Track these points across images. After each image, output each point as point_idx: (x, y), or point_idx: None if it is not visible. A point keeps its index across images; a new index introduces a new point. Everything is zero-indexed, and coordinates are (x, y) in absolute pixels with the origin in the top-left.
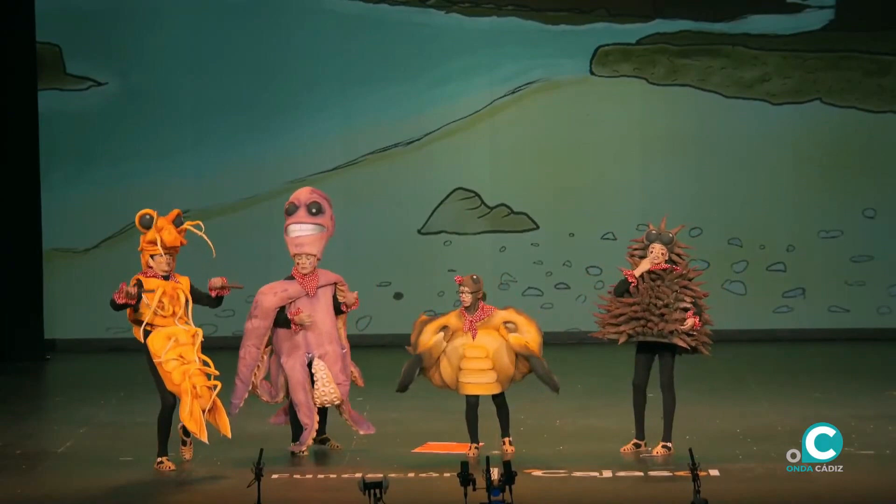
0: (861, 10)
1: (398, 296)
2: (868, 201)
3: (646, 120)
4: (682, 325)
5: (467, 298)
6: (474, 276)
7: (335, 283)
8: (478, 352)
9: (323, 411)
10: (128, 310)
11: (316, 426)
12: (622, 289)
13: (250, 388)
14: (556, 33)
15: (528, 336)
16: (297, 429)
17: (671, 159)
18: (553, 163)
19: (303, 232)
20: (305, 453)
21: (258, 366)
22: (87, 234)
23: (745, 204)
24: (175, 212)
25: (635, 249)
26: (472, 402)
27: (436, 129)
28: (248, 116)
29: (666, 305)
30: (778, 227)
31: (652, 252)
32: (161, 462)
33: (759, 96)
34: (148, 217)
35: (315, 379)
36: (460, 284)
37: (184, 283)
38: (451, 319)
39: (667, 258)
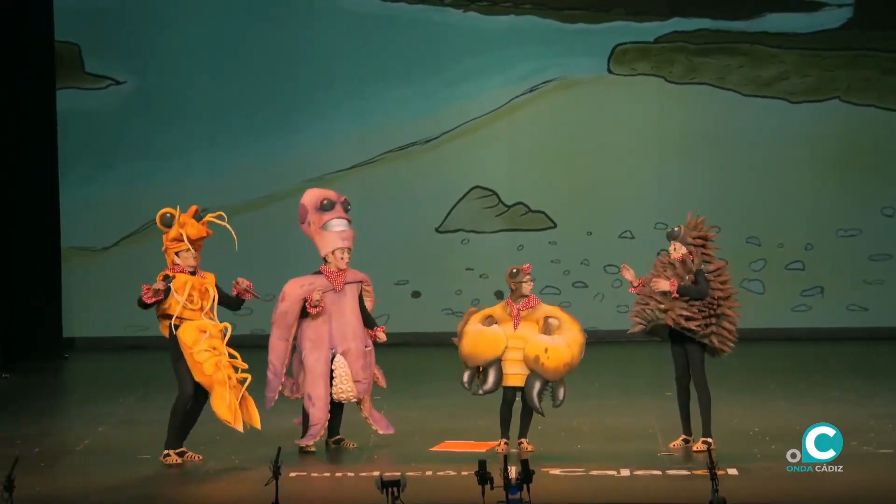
0: (879, 8)
1: (416, 294)
2: (886, 200)
3: (663, 118)
4: (655, 285)
5: (525, 287)
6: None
7: (361, 282)
8: (519, 342)
9: (338, 411)
10: (157, 305)
11: (326, 423)
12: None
13: (283, 380)
14: (573, 32)
15: (569, 335)
16: (307, 423)
17: (689, 158)
18: (570, 161)
19: (346, 227)
20: (313, 449)
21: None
22: (106, 232)
23: (763, 202)
24: (193, 208)
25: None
26: (509, 397)
27: (453, 128)
28: (265, 115)
29: (665, 292)
30: (796, 226)
31: (674, 250)
32: (168, 455)
33: (778, 95)
34: (169, 215)
35: (334, 375)
36: (528, 273)
37: (210, 279)
38: (497, 310)
39: (685, 252)
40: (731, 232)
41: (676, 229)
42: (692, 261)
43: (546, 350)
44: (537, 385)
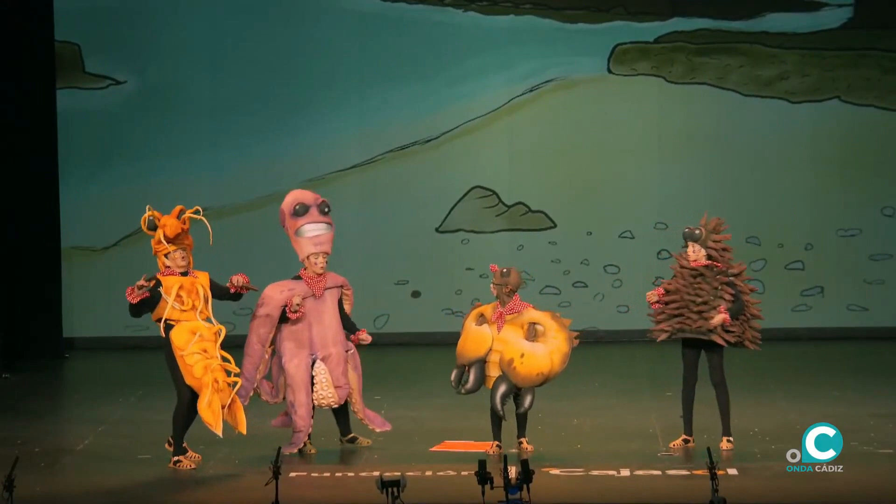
0: (880, 7)
1: (416, 294)
2: (887, 199)
3: (663, 118)
4: (711, 322)
5: (492, 290)
6: (504, 270)
7: (341, 286)
8: (500, 345)
9: (343, 410)
10: (149, 308)
11: (310, 429)
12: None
13: (255, 385)
14: (573, 32)
15: (553, 344)
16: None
17: (689, 158)
18: (571, 161)
19: (321, 231)
20: (313, 451)
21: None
22: (106, 232)
23: (763, 202)
24: (177, 208)
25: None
26: None
27: (453, 128)
28: (266, 114)
29: (704, 303)
30: (796, 226)
31: (693, 252)
32: (179, 461)
33: (778, 94)
34: (151, 218)
35: (315, 381)
36: (493, 272)
37: (202, 278)
38: (488, 310)
39: (704, 254)
40: (730, 231)
41: (697, 231)
42: (720, 267)
43: (522, 355)
44: (502, 388)
